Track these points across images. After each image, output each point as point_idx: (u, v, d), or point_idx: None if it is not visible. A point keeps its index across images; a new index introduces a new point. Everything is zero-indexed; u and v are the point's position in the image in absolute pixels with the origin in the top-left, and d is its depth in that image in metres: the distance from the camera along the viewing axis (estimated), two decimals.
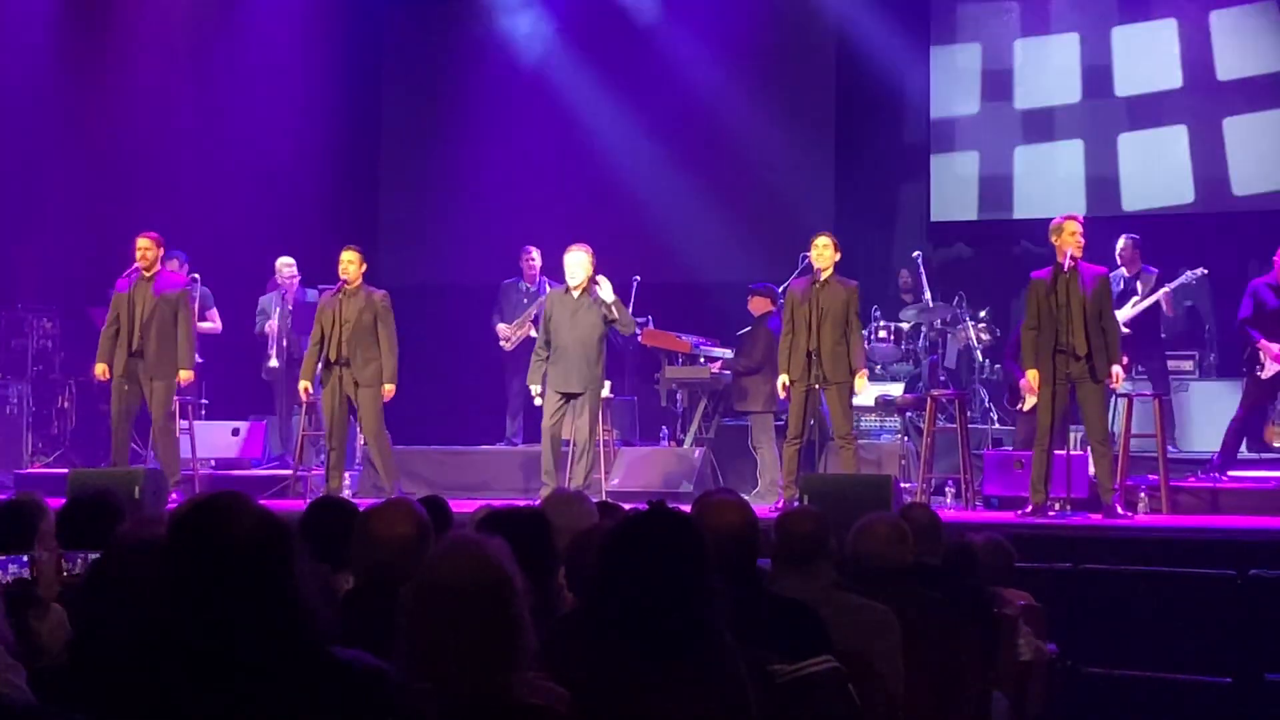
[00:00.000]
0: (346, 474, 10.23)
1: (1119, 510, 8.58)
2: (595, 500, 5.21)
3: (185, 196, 12.95)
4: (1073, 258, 8.59)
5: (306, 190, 13.47)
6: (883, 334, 11.48)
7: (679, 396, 11.48)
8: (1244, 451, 10.36)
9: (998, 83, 12.98)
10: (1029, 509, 8.65)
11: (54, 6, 13.40)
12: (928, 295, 11.49)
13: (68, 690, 2.95)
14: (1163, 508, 8.97)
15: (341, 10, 14.26)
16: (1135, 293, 10.63)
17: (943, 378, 11.43)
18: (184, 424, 10.55)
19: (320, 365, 9.80)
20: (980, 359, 11.38)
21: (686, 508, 3.72)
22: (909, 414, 10.98)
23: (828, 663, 3.63)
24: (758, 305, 10.79)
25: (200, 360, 11.85)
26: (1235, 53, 12.10)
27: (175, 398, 10.17)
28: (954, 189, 13.18)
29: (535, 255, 11.93)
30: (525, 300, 11.87)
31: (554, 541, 3.95)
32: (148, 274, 9.91)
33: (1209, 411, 10.68)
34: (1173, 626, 7.18)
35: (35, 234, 13.11)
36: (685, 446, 11.11)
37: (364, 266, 9.82)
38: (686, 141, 13.42)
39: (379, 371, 9.71)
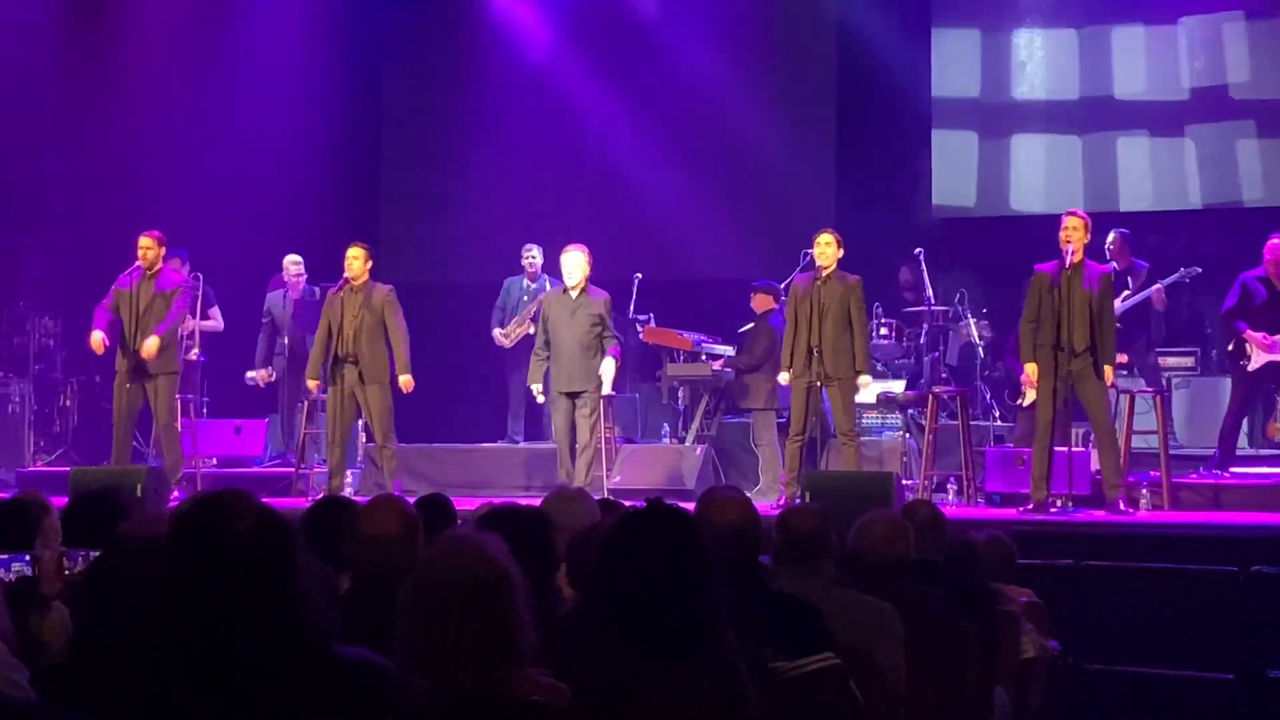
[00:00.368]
0: (349, 472, 10.23)
1: (1121, 507, 8.57)
2: (597, 498, 5.22)
3: (187, 195, 12.95)
4: (1074, 253, 8.59)
5: (308, 189, 13.47)
6: (884, 331, 11.48)
7: (680, 394, 11.48)
8: (1245, 447, 10.36)
9: (1001, 75, 12.96)
10: (1031, 506, 8.65)
11: (56, 5, 13.40)
12: (929, 292, 11.48)
13: (70, 689, 2.96)
14: (1164, 504, 8.96)
15: (343, 8, 14.26)
16: (1126, 287, 10.63)
17: (944, 374, 11.43)
18: (186, 421, 10.56)
19: (328, 362, 9.83)
20: (982, 355, 11.37)
21: (689, 505, 3.72)
22: (910, 411, 10.98)
23: (829, 660, 3.64)
24: (760, 302, 10.79)
25: (202, 358, 11.88)
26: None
27: (177, 396, 10.17)
28: (956, 185, 13.17)
29: (536, 253, 11.92)
30: (526, 298, 11.87)
31: (554, 539, 3.96)
32: (149, 272, 9.91)
33: (1210, 408, 10.67)
34: (1175, 623, 7.18)
35: (37, 232, 13.12)
36: (687, 444, 11.11)
37: (370, 263, 9.83)
38: (687, 138, 13.42)
39: (385, 368, 9.71)
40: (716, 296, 12.63)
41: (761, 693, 3.17)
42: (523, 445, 11.80)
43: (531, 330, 11.67)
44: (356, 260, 9.76)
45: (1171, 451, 9.43)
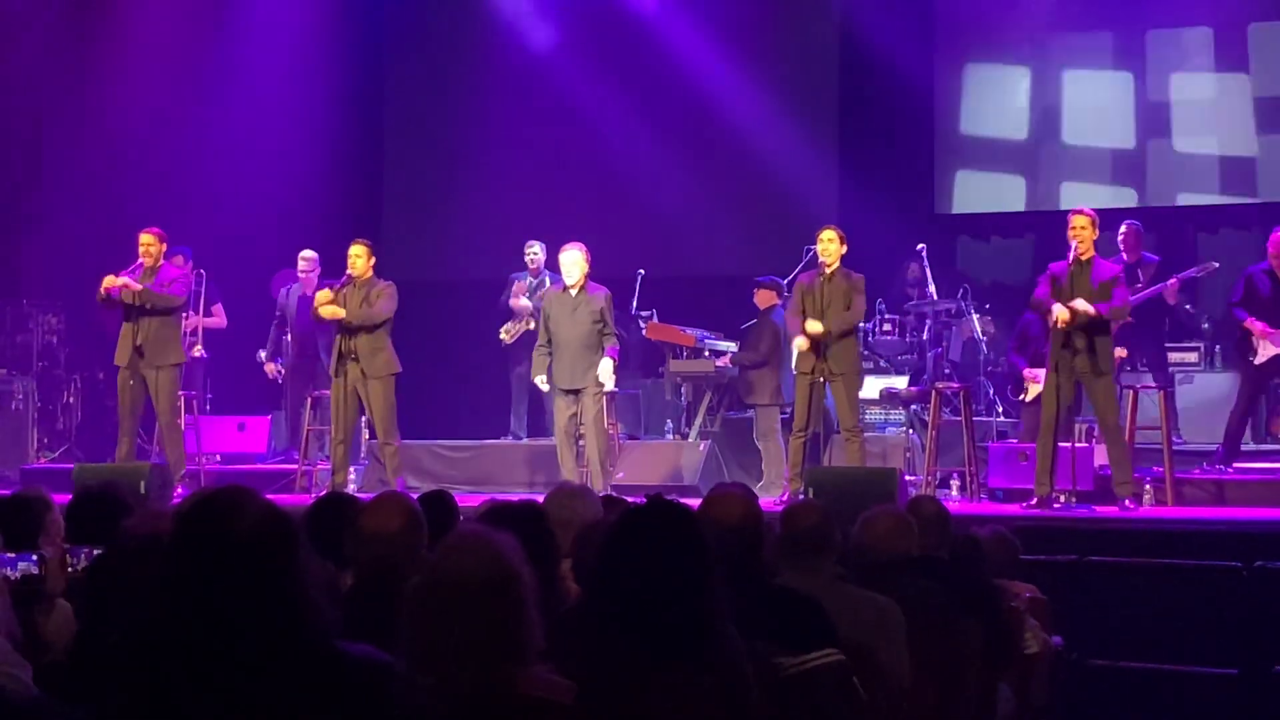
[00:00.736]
0: (352, 469, 10.23)
1: (1126, 503, 8.57)
2: (600, 494, 5.22)
3: (189, 192, 12.95)
4: (1079, 250, 8.58)
5: (310, 186, 13.47)
6: (887, 327, 11.48)
7: (684, 390, 11.48)
8: (1249, 442, 10.35)
9: (1005, 68, 12.94)
10: (1034, 501, 8.64)
11: (59, 2, 13.40)
12: (932, 288, 11.47)
13: (73, 686, 2.96)
14: (1168, 500, 8.96)
15: (346, 5, 14.25)
16: (1136, 280, 10.61)
17: (947, 370, 11.42)
18: (189, 418, 10.57)
19: (332, 358, 9.85)
20: (985, 351, 11.37)
21: (692, 501, 3.72)
22: (913, 407, 10.98)
23: (832, 656, 3.63)
24: (763, 298, 10.79)
25: (206, 355, 11.88)
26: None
27: (180, 392, 10.18)
28: (960, 181, 13.16)
29: (538, 249, 11.92)
30: (528, 294, 11.87)
31: (554, 535, 3.95)
32: (151, 269, 9.92)
33: (1214, 403, 10.66)
34: (1179, 619, 7.17)
35: (40, 229, 13.13)
36: (690, 440, 11.12)
37: (373, 260, 9.83)
38: (690, 134, 13.41)
39: (388, 363, 9.71)
40: (719, 293, 12.62)
41: (764, 689, 3.16)
42: (525, 442, 11.80)
43: (532, 326, 11.68)
44: (359, 257, 9.76)
45: (1175, 447, 9.42)
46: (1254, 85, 12.28)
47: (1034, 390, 9.96)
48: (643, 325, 11.52)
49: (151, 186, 12.91)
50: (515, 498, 4.94)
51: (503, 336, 11.84)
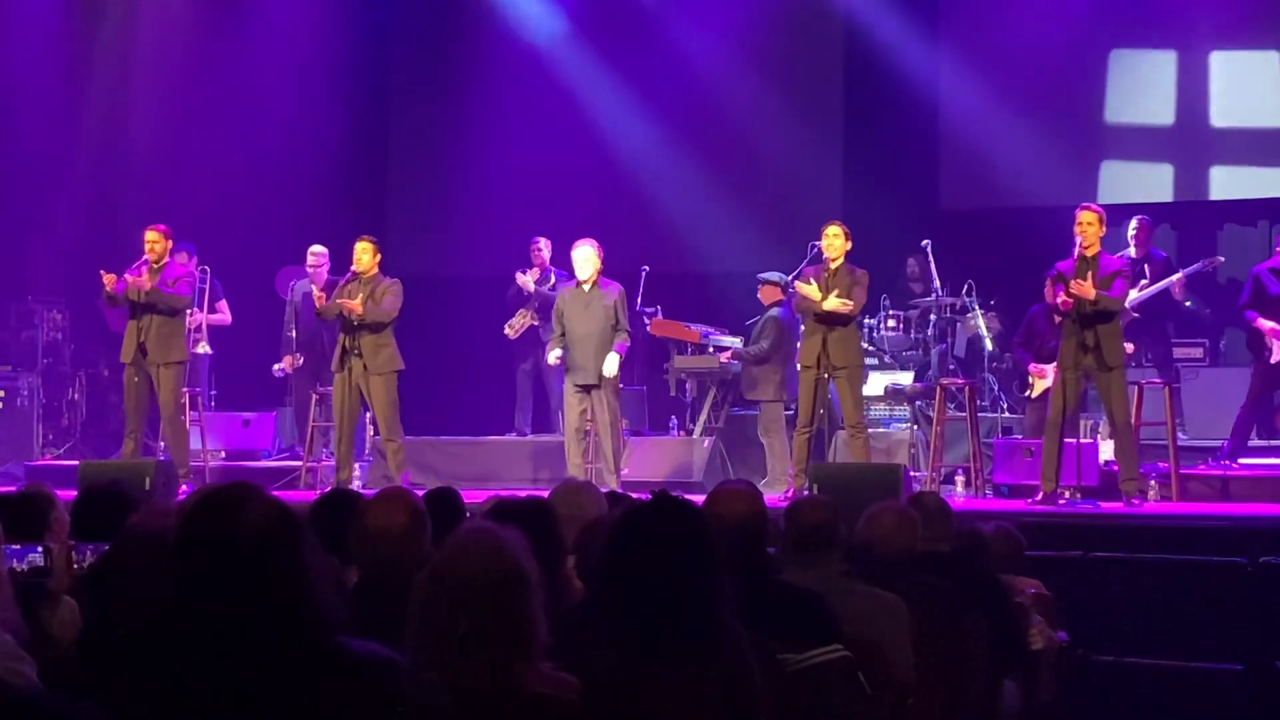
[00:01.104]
0: (356, 465, 10.24)
1: (1132, 499, 8.56)
2: (604, 490, 5.22)
3: (194, 189, 12.96)
4: (1084, 246, 8.57)
5: (315, 183, 13.48)
6: (892, 323, 11.46)
7: (688, 386, 11.48)
8: (1255, 439, 10.33)
9: (1010, 65, 12.92)
10: (1039, 497, 8.63)
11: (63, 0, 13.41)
12: (936, 283, 11.46)
13: (78, 682, 2.96)
14: (1173, 495, 8.95)
15: (350, 3, 14.25)
16: (1143, 275, 10.60)
17: (952, 366, 11.41)
18: (194, 414, 10.58)
19: (336, 354, 9.86)
20: (990, 347, 11.35)
21: (697, 497, 3.72)
22: (918, 403, 10.97)
23: (837, 651, 3.63)
24: (767, 294, 10.78)
25: (210, 352, 11.89)
26: None
27: (185, 389, 10.19)
28: (964, 176, 13.14)
29: (544, 245, 11.92)
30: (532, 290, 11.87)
31: (560, 531, 3.95)
32: (156, 266, 9.93)
33: (1219, 400, 10.65)
34: (1184, 614, 7.17)
35: (45, 227, 13.13)
36: (695, 436, 11.12)
37: (378, 256, 9.83)
38: (695, 131, 13.40)
39: (391, 359, 9.72)
40: (724, 289, 12.62)
41: (769, 685, 3.16)
42: (530, 438, 11.81)
43: (534, 321, 11.69)
44: (365, 253, 9.76)
45: (1179, 443, 9.41)
46: None
47: (1040, 386, 9.95)
48: (647, 321, 11.51)
49: (156, 183, 12.93)
50: (520, 493, 4.94)
51: (507, 331, 11.85)
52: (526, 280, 11.73)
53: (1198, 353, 11.38)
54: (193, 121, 13.35)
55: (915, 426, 10.83)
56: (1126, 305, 9.44)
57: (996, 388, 11.34)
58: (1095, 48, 12.71)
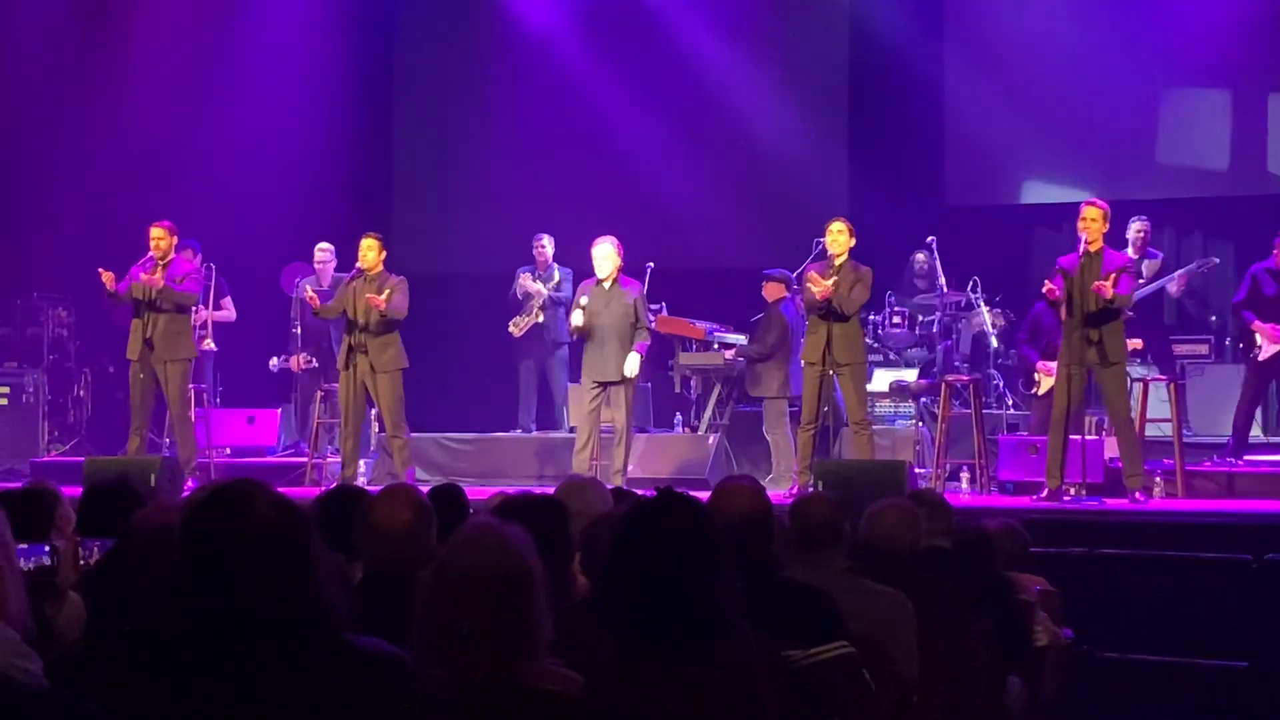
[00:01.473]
0: (361, 462, 10.25)
1: (1136, 495, 8.56)
2: (610, 487, 5.21)
3: (199, 186, 12.97)
4: (1088, 242, 8.57)
5: (320, 179, 13.48)
6: (897, 319, 11.46)
7: (693, 383, 11.48)
8: (1260, 435, 10.34)
9: (1013, 61, 12.91)
10: (1044, 494, 8.63)
11: None
12: (942, 280, 11.46)
13: (83, 678, 2.96)
14: (1178, 492, 8.95)
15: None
16: (1140, 275, 10.62)
17: (957, 362, 11.41)
18: (199, 411, 10.58)
19: (341, 351, 9.87)
20: (995, 344, 11.35)
21: (702, 494, 3.72)
22: (923, 399, 10.96)
23: (842, 648, 3.63)
24: (771, 291, 10.77)
25: (215, 348, 11.90)
26: None
27: (190, 386, 10.20)
28: (970, 173, 13.13)
29: (547, 242, 11.92)
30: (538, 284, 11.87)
31: (569, 528, 3.95)
32: (161, 263, 9.94)
33: (1223, 396, 10.65)
34: (1189, 611, 7.16)
35: (50, 224, 13.14)
36: (700, 433, 11.12)
37: (384, 254, 9.83)
38: (699, 127, 13.40)
39: (396, 357, 9.72)
40: (728, 285, 12.62)
41: (774, 682, 3.16)
42: (535, 434, 11.81)
43: (541, 320, 11.69)
44: (370, 251, 9.77)
45: (1184, 439, 9.41)
46: None
47: (1046, 383, 9.95)
48: (652, 318, 11.52)
49: (161, 180, 12.93)
50: (524, 490, 4.94)
51: (511, 329, 11.85)
52: (530, 283, 11.69)
53: (1203, 349, 11.38)
54: (197, 117, 13.35)
55: (920, 423, 10.83)
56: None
57: (1002, 384, 11.34)
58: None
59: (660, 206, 13.14)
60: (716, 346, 11.26)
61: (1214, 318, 11.55)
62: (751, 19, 13.39)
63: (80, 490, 4.70)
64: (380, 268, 9.80)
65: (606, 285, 9.77)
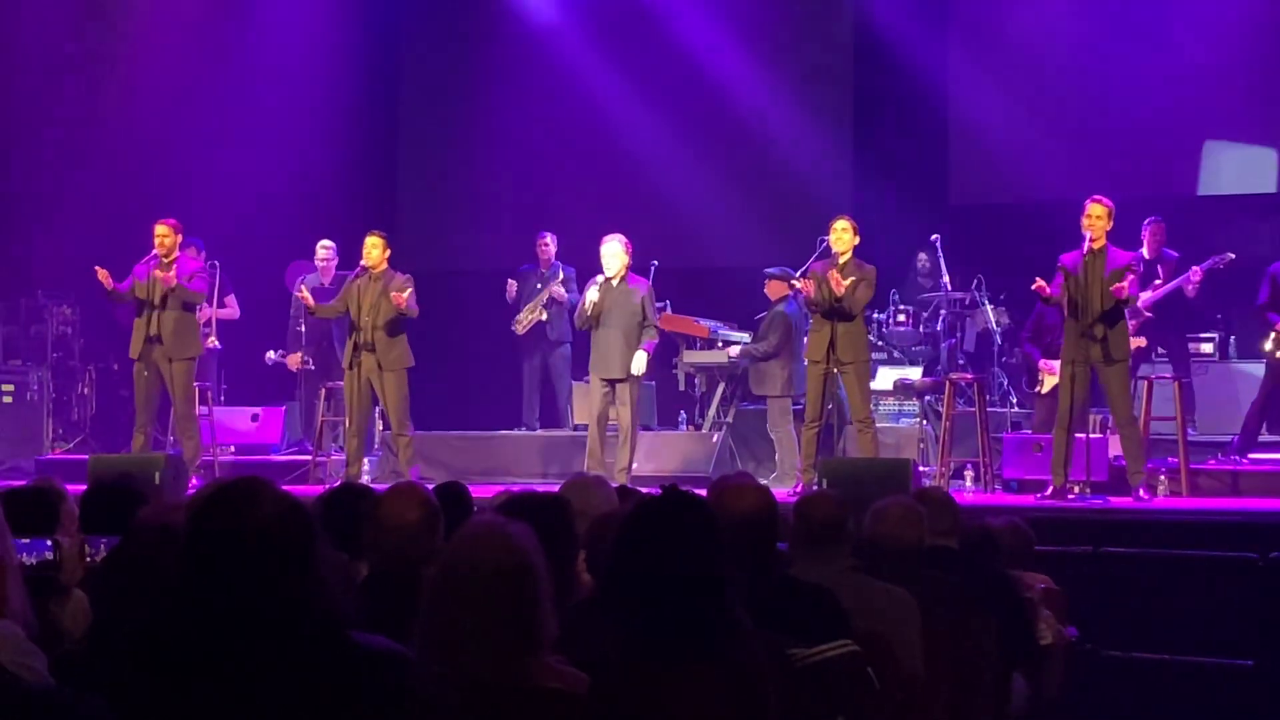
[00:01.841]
0: (366, 460, 10.25)
1: (1140, 493, 8.55)
2: (614, 485, 5.21)
3: (203, 183, 12.96)
4: (1092, 239, 8.56)
5: (324, 177, 13.48)
6: (901, 317, 11.45)
7: (697, 381, 11.49)
8: (1265, 434, 10.31)
9: (1019, 60, 12.89)
10: (1049, 492, 8.63)
11: None
12: (946, 278, 11.45)
13: (88, 676, 2.96)
14: (1183, 490, 8.94)
15: None
16: (1156, 275, 10.59)
17: (961, 361, 11.40)
18: (203, 409, 10.59)
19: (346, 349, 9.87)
20: (999, 342, 11.35)
21: (705, 492, 3.72)
22: (927, 397, 10.96)
23: (846, 647, 3.63)
24: (774, 289, 10.77)
25: (219, 346, 11.90)
26: None
27: (195, 383, 10.20)
28: (974, 171, 13.12)
29: (550, 240, 11.92)
30: (539, 285, 11.87)
31: (574, 526, 3.95)
32: (166, 260, 9.94)
33: (1230, 394, 10.62)
34: (1193, 610, 7.16)
35: (54, 221, 13.15)
36: (704, 431, 11.12)
37: (388, 251, 9.84)
38: (704, 126, 13.39)
39: (403, 355, 9.73)
40: (733, 283, 12.61)
41: (778, 680, 3.16)
42: (539, 432, 11.81)
43: (544, 318, 11.68)
44: (375, 249, 9.77)
45: (1189, 438, 9.39)
46: None
47: (1050, 382, 9.93)
48: (656, 316, 11.51)
49: (164, 178, 12.93)
50: (527, 488, 4.93)
51: (515, 327, 11.85)
52: (556, 288, 11.69)
53: (1208, 348, 11.35)
54: (201, 116, 13.35)
55: (924, 421, 10.82)
56: (1139, 305, 9.43)
57: (1006, 382, 11.33)
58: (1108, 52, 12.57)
59: (664, 205, 13.14)
60: (721, 344, 11.26)
61: (1220, 316, 11.52)
62: (756, 17, 13.39)
63: (84, 488, 4.71)
64: (385, 265, 9.80)
65: (615, 283, 9.78)
